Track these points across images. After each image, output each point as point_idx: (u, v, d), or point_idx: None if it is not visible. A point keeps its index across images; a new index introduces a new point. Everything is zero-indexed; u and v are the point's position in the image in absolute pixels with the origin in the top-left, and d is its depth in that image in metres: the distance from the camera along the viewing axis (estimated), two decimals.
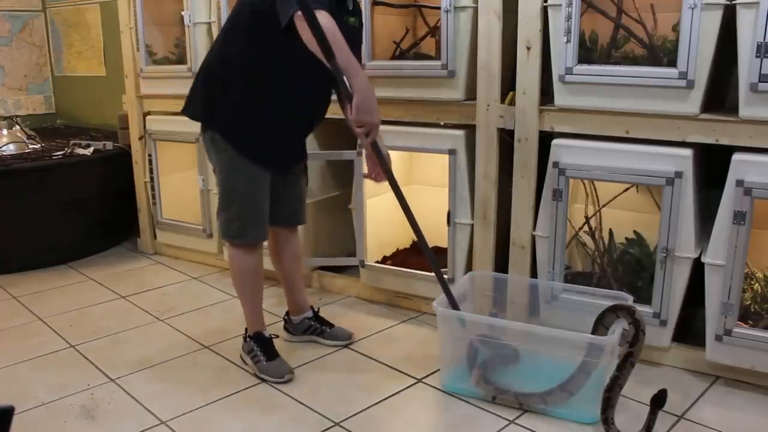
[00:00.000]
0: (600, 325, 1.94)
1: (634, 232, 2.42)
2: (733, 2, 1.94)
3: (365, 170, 2.25)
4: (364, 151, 2.25)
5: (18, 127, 3.77)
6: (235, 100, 2.05)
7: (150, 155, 3.47)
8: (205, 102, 2.10)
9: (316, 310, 2.51)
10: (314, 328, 2.46)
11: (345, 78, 1.81)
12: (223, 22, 2.94)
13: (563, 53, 2.19)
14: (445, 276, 2.64)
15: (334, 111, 2.28)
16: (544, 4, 2.22)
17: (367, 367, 2.32)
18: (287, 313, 2.51)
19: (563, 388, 1.95)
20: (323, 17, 1.78)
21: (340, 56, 1.77)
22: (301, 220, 2.37)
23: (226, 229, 2.18)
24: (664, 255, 2.14)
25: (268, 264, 2.43)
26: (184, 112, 2.16)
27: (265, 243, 2.28)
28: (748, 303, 2.16)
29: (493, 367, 2.11)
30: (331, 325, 2.48)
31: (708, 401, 2.06)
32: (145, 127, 3.48)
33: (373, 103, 1.84)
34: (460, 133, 2.52)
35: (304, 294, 2.50)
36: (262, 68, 2.01)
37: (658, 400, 1.82)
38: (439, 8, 2.42)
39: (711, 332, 2.11)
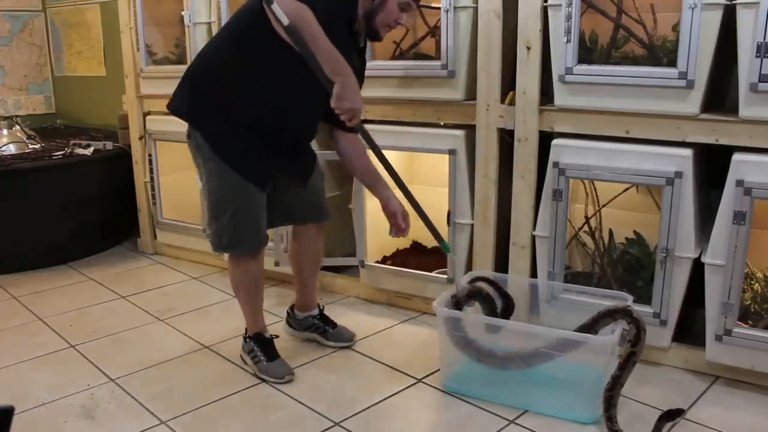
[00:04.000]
0: (591, 330, 1.93)
1: (634, 232, 2.42)
2: (733, 2, 1.94)
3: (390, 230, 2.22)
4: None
5: (18, 127, 3.77)
6: (222, 105, 2.00)
7: (150, 155, 3.47)
8: (192, 101, 2.04)
9: (321, 308, 2.49)
10: (317, 326, 2.45)
11: (323, 66, 1.81)
12: (223, 22, 2.95)
13: (563, 53, 2.19)
14: (444, 276, 2.65)
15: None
16: (544, 4, 2.22)
17: (367, 367, 2.32)
18: (292, 307, 2.50)
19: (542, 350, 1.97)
20: (300, 9, 1.77)
21: (315, 45, 1.78)
22: (319, 217, 2.31)
23: (217, 241, 2.12)
24: (664, 255, 2.14)
25: (268, 264, 2.43)
26: (169, 106, 2.09)
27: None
28: (748, 303, 2.16)
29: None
30: (335, 325, 2.47)
31: (708, 401, 2.06)
32: (145, 127, 3.48)
33: (354, 89, 1.84)
34: (460, 133, 2.52)
35: (314, 294, 2.47)
36: (253, 78, 1.97)
37: (671, 416, 1.82)
38: (439, 8, 2.42)
39: (711, 332, 2.11)
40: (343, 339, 2.44)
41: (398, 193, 2.16)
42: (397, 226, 2.19)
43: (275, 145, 2.07)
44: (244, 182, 2.04)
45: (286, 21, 1.76)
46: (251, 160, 2.04)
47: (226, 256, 2.28)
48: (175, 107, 2.08)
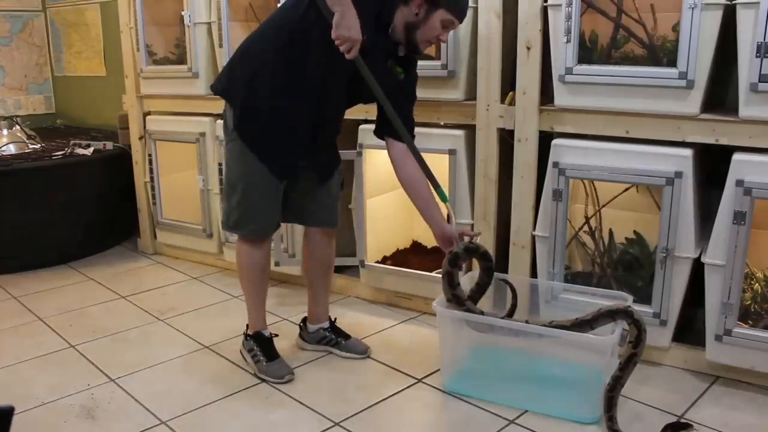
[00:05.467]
0: (588, 327, 1.92)
1: (634, 232, 2.42)
2: (733, 2, 1.94)
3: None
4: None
5: (18, 127, 3.76)
6: (252, 87, 2.03)
7: (150, 155, 3.47)
8: (228, 79, 2.11)
9: (333, 320, 2.46)
10: (329, 339, 2.41)
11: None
12: (223, 22, 2.95)
13: (563, 53, 2.19)
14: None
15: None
16: (544, 4, 2.22)
17: (367, 367, 2.32)
18: (304, 320, 2.48)
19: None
20: None
21: None
22: (328, 223, 2.31)
23: (226, 219, 2.20)
24: (664, 255, 2.14)
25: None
26: (211, 85, 2.20)
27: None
28: (748, 303, 2.16)
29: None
30: (347, 337, 2.43)
31: (708, 401, 2.06)
32: (145, 127, 3.48)
33: (353, 20, 1.82)
34: (460, 133, 2.52)
35: (325, 305, 2.44)
36: (284, 67, 2.00)
37: (676, 428, 1.84)
38: None
39: (711, 332, 2.11)
40: (357, 351, 2.39)
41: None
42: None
43: (296, 133, 2.08)
44: (260, 166, 2.07)
45: None
46: (271, 144, 2.07)
47: (227, 252, 2.27)
48: (214, 85, 2.17)
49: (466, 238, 2.13)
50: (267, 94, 2.03)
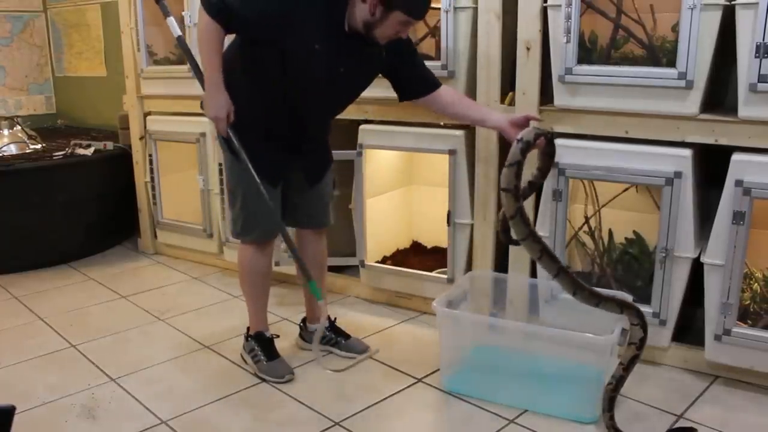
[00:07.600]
0: (593, 301, 1.83)
1: (634, 232, 2.42)
2: (733, 2, 1.94)
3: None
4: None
5: (19, 127, 3.77)
6: (233, 100, 2.03)
7: (150, 155, 3.47)
8: None
9: (332, 320, 2.46)
10: (329, 338, 2.41)
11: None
12: None
13: (563, 53, 2.19)
14: (444, 276, 2.65)
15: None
16: (544, 5, 2.22)
17: (367, 367, 2.32)
18: (303, 320, 2.48)
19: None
20: (202, 22, 1.94)
21: (200, 57, 2.00)
22: (319, 223, 2.33)
23: (233, 227, 2.23)
24: (664, 255, 2.14)
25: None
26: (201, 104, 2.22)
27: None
28: (747, 303, 2.16)
29: None
30: (347, 336, 2.43)
31: (707, 401, 2.06)
32: (145, 127, 3.48)
33: (210, 100, 2.00)
34: (460, 133, 2.52)
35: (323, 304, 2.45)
36: (255, 75, 2.02)
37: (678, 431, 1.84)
38: (439, 8, 2.42)
39: (710, 332, 2.11)
40: (357, 351, 2.39)
41: None
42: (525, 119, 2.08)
43: (279, 141, 2.10)
44: (251, 172, 2.08)
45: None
46: (256, 154, 2.06)
47: (227, 253, 2.28)
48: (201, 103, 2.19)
49: (532, 123, 2.03)
50: (244, 106, 2.03)
